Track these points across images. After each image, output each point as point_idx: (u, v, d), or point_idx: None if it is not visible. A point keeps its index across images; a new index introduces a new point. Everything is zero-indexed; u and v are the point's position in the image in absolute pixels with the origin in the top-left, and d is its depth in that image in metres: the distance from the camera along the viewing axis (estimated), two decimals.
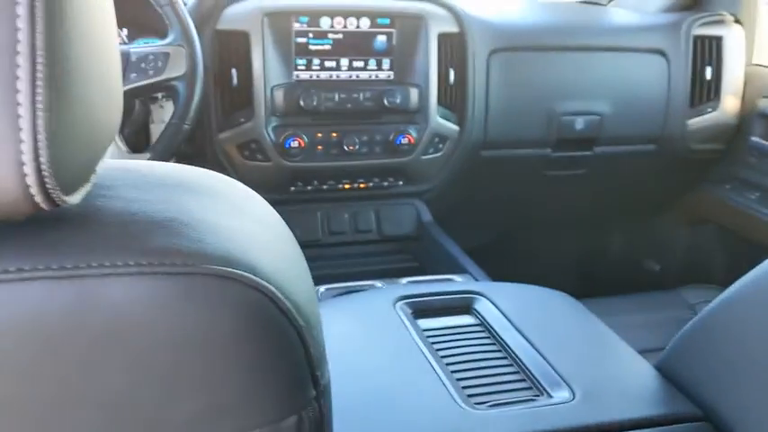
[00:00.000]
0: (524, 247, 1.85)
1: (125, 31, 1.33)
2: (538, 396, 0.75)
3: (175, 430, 0.35)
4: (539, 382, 0.77)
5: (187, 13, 1.10)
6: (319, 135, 1.36)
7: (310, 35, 1.34)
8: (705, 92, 1.59)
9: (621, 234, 1.95)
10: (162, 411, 0.35)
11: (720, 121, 1.60)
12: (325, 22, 1.34)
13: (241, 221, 0.40)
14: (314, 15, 1.33)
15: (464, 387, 0.76)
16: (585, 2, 1.90)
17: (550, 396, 0.74)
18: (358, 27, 1.35)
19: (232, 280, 0.35)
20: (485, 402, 0.74)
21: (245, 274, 0.35)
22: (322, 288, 1.14)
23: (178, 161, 1.26)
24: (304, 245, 1.50)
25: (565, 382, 0.76)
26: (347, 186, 1.43)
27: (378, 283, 1.17)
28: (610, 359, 0.83)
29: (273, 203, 1.55)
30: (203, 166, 1.41)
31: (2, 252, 0.32)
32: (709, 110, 1.59)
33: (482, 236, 1.73)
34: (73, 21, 0.31)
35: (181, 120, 1.09)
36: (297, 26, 1.33)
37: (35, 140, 0.30)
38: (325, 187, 1.42)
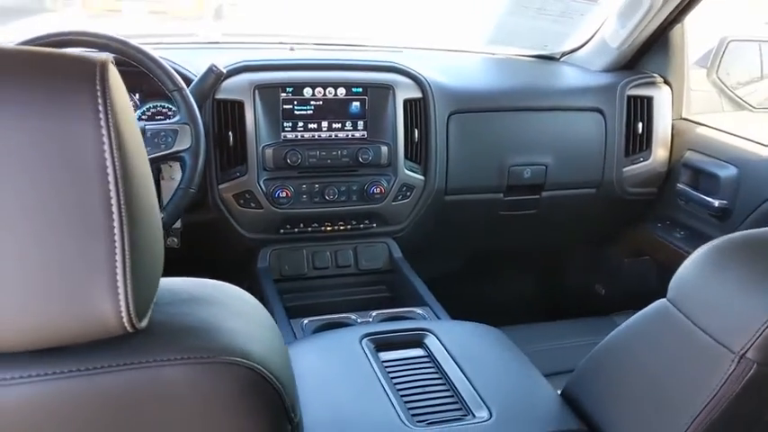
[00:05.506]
0: (487, 275, 2.11)
1: (137, 95, 1.56)
2: (465, 416, 0.99)
3: None
4: (466, 404, 1.01)
5: (192, 98, 1.34)
6: (304, 186, 1.60)
7: (295, 102, 1.58)
8: (637, 144, 1.84)
9: (573, 264, 2.21)
10: None
11: (651, 169, 1.86)
12: (307, 92, 1.58)
13: (243, 323, 0.63)
14: (298, 86, 1.58)
15: (410, 408, 1.00)
16: (540, 56, 2.14)
17: (474, 416, 0.98)
18: (335, 95, 1.60)
19: (237, 365, 0.57)
20: (425, 420, 0.98)
21: (245, 361, 0.58)
22: (306, 320, 1.38)
23: (187, 211, 1.50)
24: (291, 278, 1.76)
25: (485, 404, 0.99)
26: (329, 228, 1.67)
27: (352, 316, 1.40)
28: (521, 385, 1.07)
29: (265, 243, 1.80)
30: (207, 214, 1.67)
31: (96, 356, 0.54)
32: (641, 159, 1.85)
33: (450, 265, 1.98)
34: (139, 177, 0.50)
35: (187, 185, 1.32)
36: (283, 95, 1.57)
37: (125, 284, 0.48)
38: (309, 229, 1.65)
